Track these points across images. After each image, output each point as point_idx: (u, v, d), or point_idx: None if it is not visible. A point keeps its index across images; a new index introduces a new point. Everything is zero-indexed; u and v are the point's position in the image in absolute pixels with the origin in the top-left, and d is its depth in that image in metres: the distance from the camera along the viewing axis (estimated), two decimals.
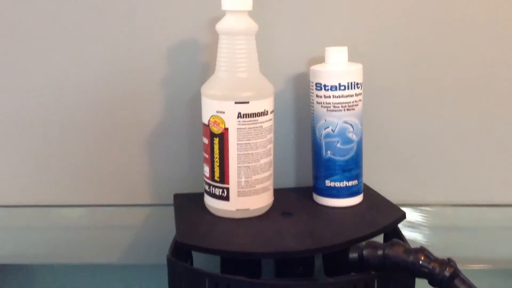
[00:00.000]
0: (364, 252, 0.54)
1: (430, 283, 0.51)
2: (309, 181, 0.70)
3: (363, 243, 0.55)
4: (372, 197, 0.67)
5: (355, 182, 0.64)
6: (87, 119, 0.72)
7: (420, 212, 0.74)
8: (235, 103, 0.58)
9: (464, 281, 0.50)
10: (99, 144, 0.73)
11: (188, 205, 0.65)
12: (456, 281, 0.50)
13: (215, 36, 0.62)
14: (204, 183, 0.63)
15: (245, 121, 0.59)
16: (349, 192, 0.64)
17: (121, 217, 0.75)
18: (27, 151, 0.73)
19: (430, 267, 0.50)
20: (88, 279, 0.78)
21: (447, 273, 0.50)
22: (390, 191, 0.68)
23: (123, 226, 0.75)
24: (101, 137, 0.73)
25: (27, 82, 0.71)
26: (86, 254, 0.75)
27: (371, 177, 0.69)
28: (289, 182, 0.73)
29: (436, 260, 0.51)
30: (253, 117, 0.59)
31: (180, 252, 0.58)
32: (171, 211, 0.66)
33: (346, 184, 0.64)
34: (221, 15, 0.60)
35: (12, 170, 0.74)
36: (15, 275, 0.74)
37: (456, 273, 0.50)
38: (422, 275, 0.51)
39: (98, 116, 0.72)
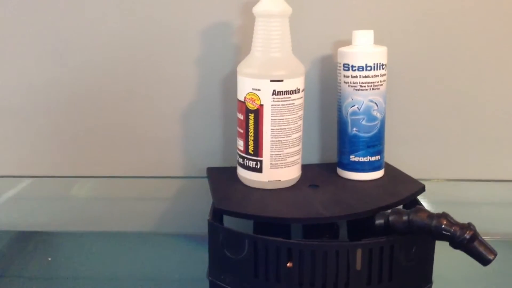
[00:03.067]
0: (390, 218, 0.56)
1: (451, 245, 0.54)
2: (331, 158, 0.74)
3: (388, 210, 0.58)
4: (392, 172, 0.70)
5: (377, 157, 0.68)
6: (125, 95, 0.75)
7: (434, 187, 0.76)
8: (271, 81, 0.62)
9: (483, 243, 0.53)
10: (136, 119, 0.75)
11: (221, 177, 0.69)
12: (475, 243, 0.52)
13: (246, 20, 0.64)
14: (238, 156, 0.67)
15: (279, 98, 0.62)
16: (372, 167, 0.68)
17: (155, 189, 0.78)
18: (64, 124, 0.76)
19: (452, 230, 0.53)
20: (117, 247, 0.79)
21: (467, 235, 0.52)
22: (407, 167, 0.70)
23: (157, 197, 0.78)
24: (138, 112, 0.75)
25: (63, 55, 0.74)
26: (120, 223, 0.78)
27: (389, 153, 0.72)
28: (313, 158, 0.77)
29: (457, 224, 0.53)
30: (286, 94, 0.62)
31: (214, 219, 0.61)
32: (202, 183, 0.69)
33: (369, 159, 0.67)
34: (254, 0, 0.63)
35: (49, 142, 0.76)
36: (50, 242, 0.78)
37: (475, 236, 0.53)
38: (444, 238, 0.54)
39: (136, 92, 0.75)
